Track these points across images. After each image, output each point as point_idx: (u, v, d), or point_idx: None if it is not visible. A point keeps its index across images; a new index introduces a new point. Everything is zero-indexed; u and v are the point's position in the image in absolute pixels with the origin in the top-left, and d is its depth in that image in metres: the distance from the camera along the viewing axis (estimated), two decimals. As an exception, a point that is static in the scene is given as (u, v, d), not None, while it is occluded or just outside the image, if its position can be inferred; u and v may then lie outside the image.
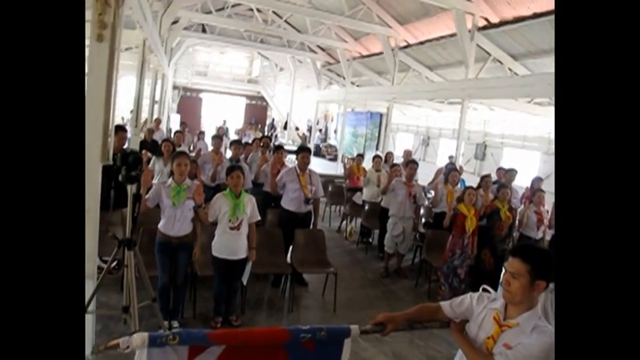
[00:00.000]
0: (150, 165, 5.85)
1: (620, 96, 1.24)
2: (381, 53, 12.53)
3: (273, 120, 22.51)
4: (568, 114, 1.31)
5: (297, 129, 23.04)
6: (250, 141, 8.40)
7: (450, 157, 10.24)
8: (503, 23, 8.77)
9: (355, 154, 10.34)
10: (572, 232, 1.29)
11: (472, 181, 7.02)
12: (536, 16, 8.01)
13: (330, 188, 9.12)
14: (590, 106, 1.27)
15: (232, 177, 3.88)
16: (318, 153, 19.93)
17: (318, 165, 14.87)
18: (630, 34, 1.23)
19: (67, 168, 1.25)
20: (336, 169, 14.26)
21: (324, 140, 23.03)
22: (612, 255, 1.22)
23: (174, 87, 21.64)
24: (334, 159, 17.59)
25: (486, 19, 8.98)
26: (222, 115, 21.33)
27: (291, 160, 8.42)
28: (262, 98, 24.08)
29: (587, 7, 1.29)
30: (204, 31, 16.58)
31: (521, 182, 8.09)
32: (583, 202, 1.28)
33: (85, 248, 1.97)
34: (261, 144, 7.17)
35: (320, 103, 18.16)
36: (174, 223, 3.75)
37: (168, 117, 18.31)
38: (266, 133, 18.78)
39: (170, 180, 3.81)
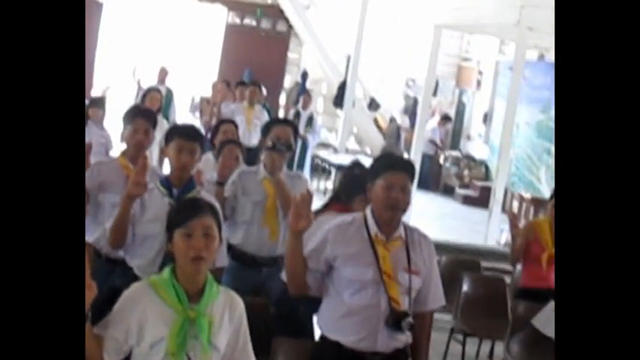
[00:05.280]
0: None
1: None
2: None
3: (305, 76, 15.15)
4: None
5: (371, 104, 13.14)
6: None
7: None
8: None
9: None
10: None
11: None
12: None
13: (465, 281, 5.31)
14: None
15: (192, 237, 2.15)
16: (425, 182, 11.48)
17: (428, 214, 8.80)
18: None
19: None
20: (485, 227, 7.89)
21: (455, 145, 14.34)
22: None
23: None
24: (481, 200, 9.94)
25: None
26: (157, 56, 10.68)
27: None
28: (277, 14, 15.40)
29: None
30: None
31: None
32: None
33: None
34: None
35: (445, 32, 9.80)
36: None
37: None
38: (287, 114, 11.91)
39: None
